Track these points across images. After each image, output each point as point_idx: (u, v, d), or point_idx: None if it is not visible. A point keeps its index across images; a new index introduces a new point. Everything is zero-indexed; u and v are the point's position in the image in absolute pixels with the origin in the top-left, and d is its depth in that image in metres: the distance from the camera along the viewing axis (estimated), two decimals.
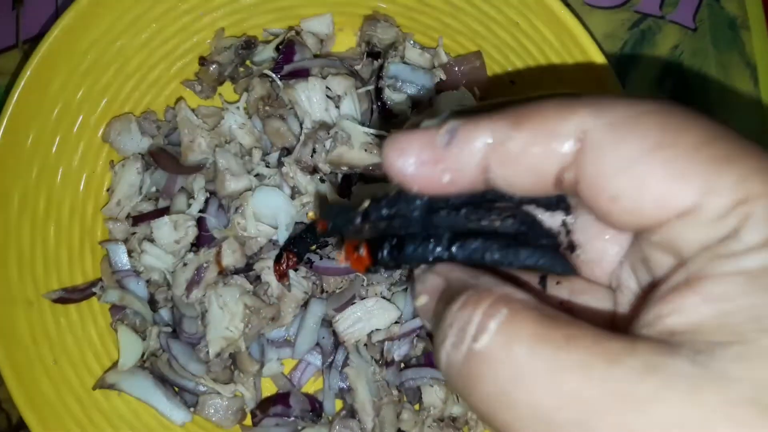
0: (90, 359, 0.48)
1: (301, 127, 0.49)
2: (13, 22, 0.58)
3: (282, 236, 0.46)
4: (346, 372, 0.47)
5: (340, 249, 0.25)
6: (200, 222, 0.48)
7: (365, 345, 0.48)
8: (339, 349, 0.49)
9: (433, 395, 0.47)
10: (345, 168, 0.46)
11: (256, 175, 0.48)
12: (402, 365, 0.49)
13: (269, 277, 0.46)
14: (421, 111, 0.49)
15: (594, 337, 0.19)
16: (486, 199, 0.23)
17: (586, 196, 0.20)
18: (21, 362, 0.45)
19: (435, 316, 0.23)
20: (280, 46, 0.51)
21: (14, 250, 0.46)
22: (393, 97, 0.49)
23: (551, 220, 0.24)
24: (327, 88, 0.49)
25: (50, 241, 0.49)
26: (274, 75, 0.50)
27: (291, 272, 0.47)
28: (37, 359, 0.46)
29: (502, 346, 0.19)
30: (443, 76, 0.50)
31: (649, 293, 0.20)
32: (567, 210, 0.24)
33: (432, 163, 0.22)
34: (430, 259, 0.23)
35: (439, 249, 0.23)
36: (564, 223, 0.24)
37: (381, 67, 0.49)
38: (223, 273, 0.46)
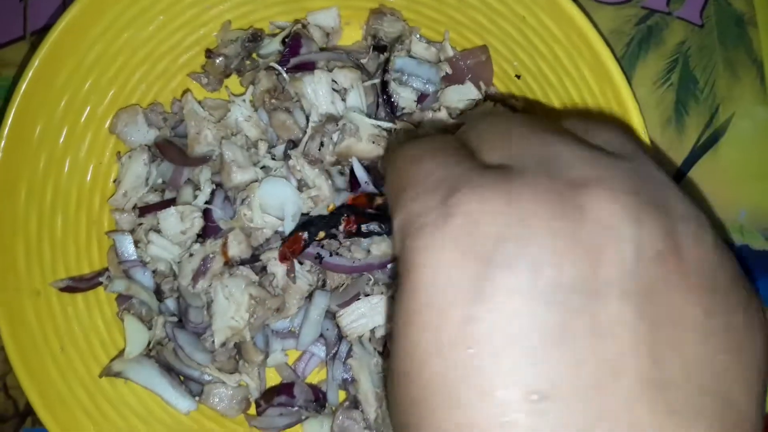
0: (96, 348, 0.49)
1: (308, 120, 0.49)
2: (20, 14, 0.58)
3: (288, 227, 0.46)
4: (350, 363, 0.48)
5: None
6: (206, 213, 0.48)
7: (369, 339, 0.48)
8: (343, 341, 0.49)
9: None
10: (352, 160, 0.46)
11: (263, 168, 0.48)
12: None
13: (275, 268, 0.46)
14: (425, 106, 0.49)
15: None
16: None
17: None
18: (29, 350, 0.45)
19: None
20: (287, 39, 0.51)
21: (22, 239, 0.47)
22: (399, 90, 0.48)
23: None
24: (333, 81, 0.49)
25: (57, 231, 0.49)
26: (280, 68, 0.50)
27: (297, 265, 0.47)
28: (45, 347, 0.46)
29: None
30: (449, 70, 0.50)
31: None
32: None
33: None
34: None
35: None
36: None
37: (387, 61, 0.49)
38: (229, 264, 0.46)
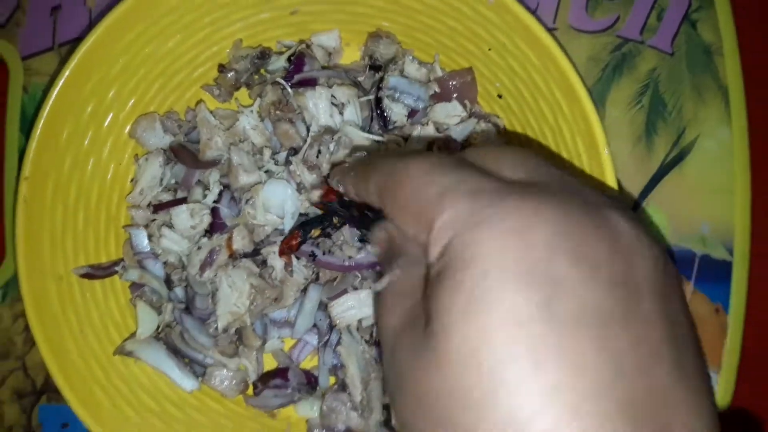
0: (111, 330, 0.51)
1: (308, 130, 0.50)
2: (49, 28, 0.60)
3: (288, 224, 0.48)
4: (339, 350, 0.49)
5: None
6: (214, 211, 0.50)
7: (357, 328, 0.50)
8: (333, 331, 0.51)
9: None
10: None
11: (266, 171, 0.50)
12: None
13: (274, 261, 0.48)
14: (415, 121, 0.51)
15: (413, 308, 0.26)
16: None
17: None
18: (51, 330, 0.47)
19: (380, 261, 0.31)
20: (292, 57, 0.52)
21: (48, 230, 0.49)
22: (391, 106, 0.50)
23: None
24: (332, 96, 0.50)
25: (79, 223, 0.51)
26: (285, 83, 0.51)
27: (294, 260, 0.49)
28: (66, 328, 0.48)
29: (383, 291, 0.28)
30: (438, 89, 0.51)
31: None
32: None
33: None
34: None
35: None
36: None
37: (381, 79, 0.51)
38: (233, 256, 0.49)
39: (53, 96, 0.47)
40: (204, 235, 0.50)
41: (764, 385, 0.56)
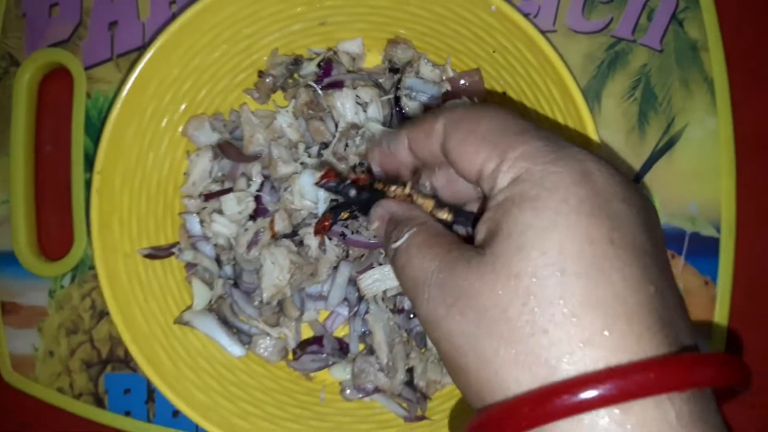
0: (170, 302, 0.54)
1: (336, 127, 0.52)
2: (108, 41, 0.64)
3: (321, 208, 0.51)
4: (367, 318, 0.52)
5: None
6: (257, 198, 0.52)
7: (382, 299, 0.53)
8: (362, 302, 0.53)
9: None
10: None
11: (301, 163, 0.52)
12: (411, 315, 0.54)
13: (310, 241, 0.51)
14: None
15: (450, 245, 0.30)
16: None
17: (449, 160, 0.32)
18: (121, 299, 0.51)
19: (384, 234, 0.35)
20: (321, 63, 0.54)
21: (117, 215, 0.52)
22: (408, 104, 0.52)
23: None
24: (357, 96, 0.52)
25: (142, 210, 0.53)
26: (316, 86, 0.53)
27: (327, 241, 0.53)
28: (132, 298, 0.51)
29: (406, 246, 0.31)
30: (449, 88, 0.53)
31: None
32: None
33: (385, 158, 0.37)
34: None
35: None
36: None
37: (399, 80, 0.52)
38: (275, 237, 0.51)
39: (120, 101, 0.50)
40: (249, 219, 0.53)
41: (750, 351, 0.59)
